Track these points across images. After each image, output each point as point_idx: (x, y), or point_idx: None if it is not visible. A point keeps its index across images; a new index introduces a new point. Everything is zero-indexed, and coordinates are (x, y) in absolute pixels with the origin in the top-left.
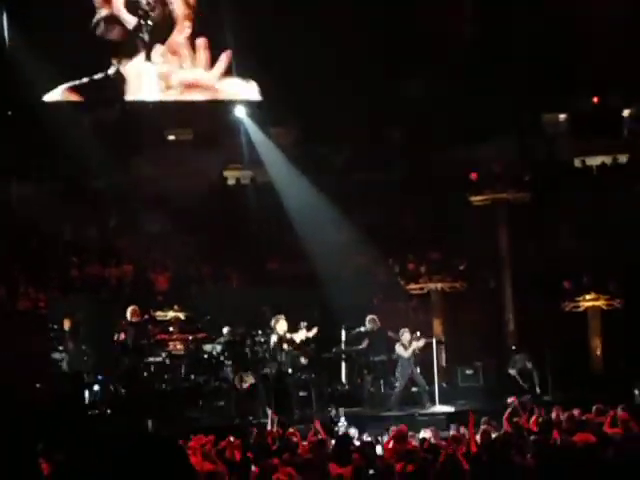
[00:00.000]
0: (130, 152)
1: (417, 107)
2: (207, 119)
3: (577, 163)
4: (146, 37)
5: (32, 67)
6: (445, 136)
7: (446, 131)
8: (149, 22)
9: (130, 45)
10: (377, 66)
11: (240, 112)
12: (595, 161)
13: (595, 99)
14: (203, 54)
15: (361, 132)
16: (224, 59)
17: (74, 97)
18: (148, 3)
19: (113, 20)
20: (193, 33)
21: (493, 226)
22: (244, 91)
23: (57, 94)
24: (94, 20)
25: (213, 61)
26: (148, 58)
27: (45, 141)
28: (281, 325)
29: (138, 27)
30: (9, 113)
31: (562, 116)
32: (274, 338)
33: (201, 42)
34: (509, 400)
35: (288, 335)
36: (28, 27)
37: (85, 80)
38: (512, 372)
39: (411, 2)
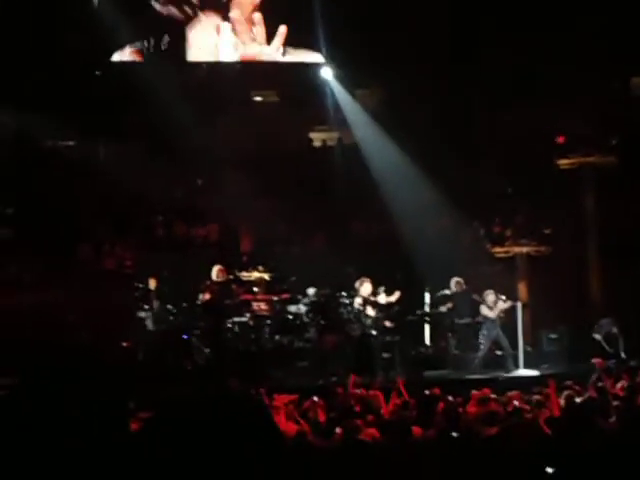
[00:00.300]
0: (216, 112)
1: (502, 67)
2: (293, 80)
3: None
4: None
5: (120, 26)
6: (532, 98)
7: (533, 93)
8: None
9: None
10: (462, 29)
11: (326, 73)
12: None
13: None
14: (260, 29)
15: (445, 93)
16: (281, 33)
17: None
18: None
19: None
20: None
21: (580, 190)
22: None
23: (125, 55)
24: None
25: (270, 37)
26: (226, 18)
27: (132, 100)
28: (365, 287)
29: None
30: (97, 73)
31: None
32: (358, 300)
33: (258, 17)
34: (594, 363)
35: (372, 297)
36: None
37: (149, 43)
38: (597, 337)
39: None
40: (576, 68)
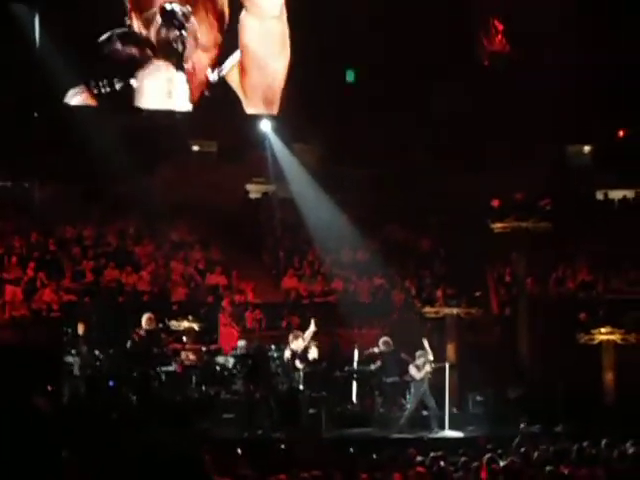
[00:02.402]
0: (154, 160)
1: (442, 130)
2: (232, 132)
3: (599, 195)
4: (180, 47)
5: (60, 70)
6: (469, 161)
7: (470, 156)
8: (184, 32)
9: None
10: (403, 87)
11: (265, 126)
12: (617, 194)
13: (620, 132)
14: None
15: (384, 153)
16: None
17: (92, 101)
18: (183, 14)
19: (128, 38)
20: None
21: (512, 254)
22: None
23: (77, 95)
24: (106, 36)
25: None
26: (180, 68)
27: (69, 144)
28: (297, 343)
29: (174, 38)
30: (35, 115)
31: (586, 148)
32: (287, 354)
33: None
34: (520, 427)
35: (301, 352)
36: (58, 30)
37: (105, 90)
38: (512, 395)
39: (438, 27)
40: (514, 135)
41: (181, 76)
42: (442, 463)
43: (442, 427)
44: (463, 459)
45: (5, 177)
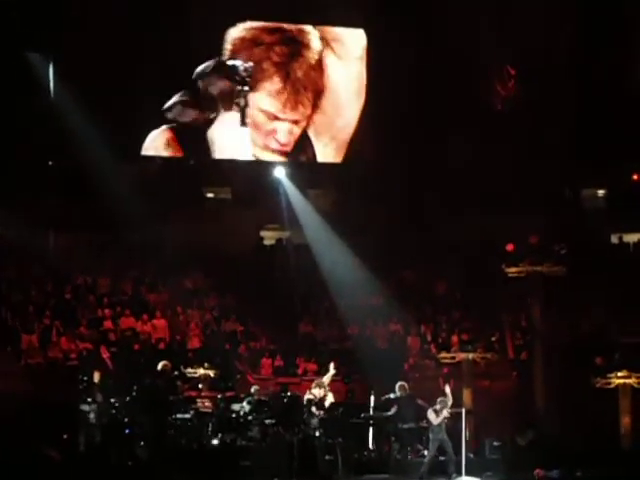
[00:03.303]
0: (169, 207)
1: (457, 176)
2: (246, 178)
3: (614, 239)
4: (242, 102)
5: (75, 118)
6: (483, 205)
7: (484, 200)
8: (245, 88)
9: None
10: (418, 131)
11: (279, 173)
12: (632, 238)
13: (635, 176)
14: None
15: (399, 197)
16: None
17: (174, 147)
18: (245, 69)
19: (189, 104)
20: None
21: (527, 298)
22: None
23: (159, 138)
24: (170, 103)
25: None
26: (243, 123)
27: (84, 193)
28: (318, 390)
29: (235, 93)
30: (50, 163)
31: (601, 192)
32: (304, 400)
33: None
34: (536, 472)
35: (319, 398)
36: (73, 79)
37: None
38: (521, 442)
39: (455, 73)
40: (529, 179)
41: (245, 130)
42: None
43: (459, 472)
44: None
45: (20, 226)
